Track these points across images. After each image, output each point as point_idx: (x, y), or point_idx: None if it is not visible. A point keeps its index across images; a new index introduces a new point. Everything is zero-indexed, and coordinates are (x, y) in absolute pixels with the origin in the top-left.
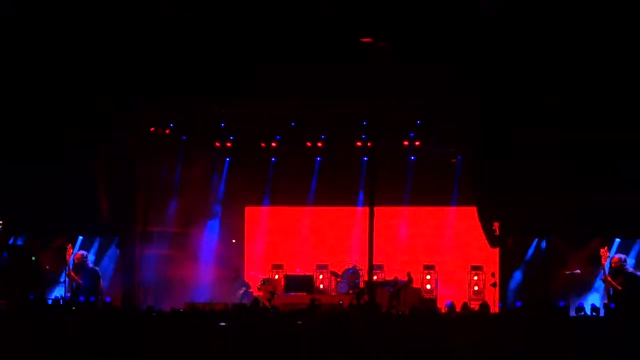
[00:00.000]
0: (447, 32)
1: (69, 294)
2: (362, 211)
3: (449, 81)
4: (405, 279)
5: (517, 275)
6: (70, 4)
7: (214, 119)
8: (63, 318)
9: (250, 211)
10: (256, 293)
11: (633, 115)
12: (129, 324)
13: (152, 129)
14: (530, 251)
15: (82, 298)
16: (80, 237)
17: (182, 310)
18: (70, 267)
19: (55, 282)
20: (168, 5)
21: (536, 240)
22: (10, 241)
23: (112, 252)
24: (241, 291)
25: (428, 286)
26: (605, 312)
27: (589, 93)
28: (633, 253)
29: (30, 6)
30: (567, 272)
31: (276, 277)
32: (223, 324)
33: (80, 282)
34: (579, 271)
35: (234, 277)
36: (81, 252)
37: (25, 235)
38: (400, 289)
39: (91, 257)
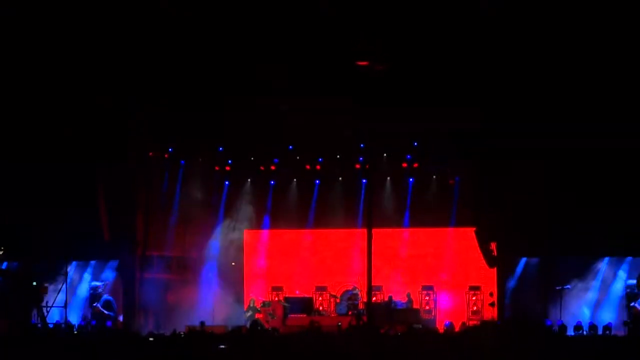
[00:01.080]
0: (444, 52)
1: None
2: (360, 233)
3: (448, 104)
4: (405, 299)
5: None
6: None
7: (213, 143)
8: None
9: (249, 234)
10: (256, 315)
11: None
12: (130, 348)
13: (151, 153)
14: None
15: (94, 322)
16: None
17: (182, 333)
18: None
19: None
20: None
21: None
22: (4, 265)
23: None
24: (249, 314)
25: (427, 307)
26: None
27: (585, 117)
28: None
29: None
30: (558, 288)
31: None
32: (223, 346)
33: (106, 313)
34: (569, 286)
35: (232, 300)
36: (94, 284)
37: (21, 261)
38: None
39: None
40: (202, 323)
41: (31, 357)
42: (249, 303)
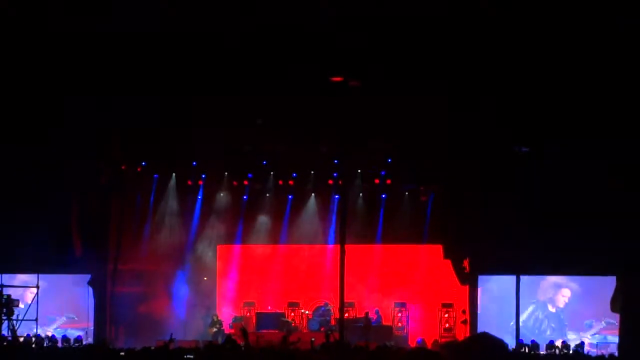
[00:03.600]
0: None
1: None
2: (333, 249)
3: (421, 120)
4: (374, 316)
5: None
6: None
7: (185, 157)
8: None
9: (222, 249)
10: (227, 330)
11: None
12: None
13: (123, 167)
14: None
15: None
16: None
17: (153, 348)
18: None
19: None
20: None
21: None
22: None
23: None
24: (214, 329)
25: (399, 324)
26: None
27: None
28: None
29: None
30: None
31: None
32: (190, 357)
33: None
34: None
35: (204, 315)
36: None
37: None
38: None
39: None
40: (171, 337)
41: None
42: (212, 318)
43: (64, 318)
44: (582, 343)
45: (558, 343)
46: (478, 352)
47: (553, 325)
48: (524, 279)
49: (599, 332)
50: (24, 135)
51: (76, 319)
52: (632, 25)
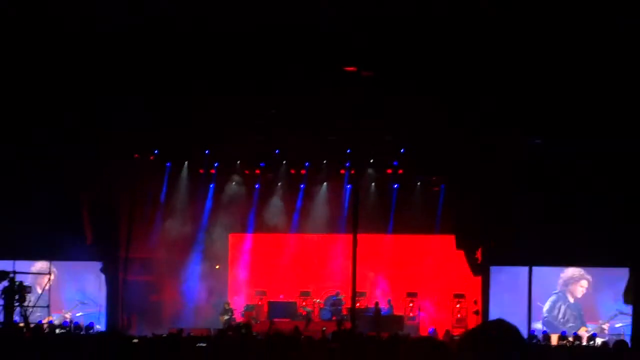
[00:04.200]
0: (432, 63)
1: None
2: (344, 238)
3: (433, 110)
4: (386, 306)
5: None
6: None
7: (198, 145)
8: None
9: (234, 237)
10: (239, 319)
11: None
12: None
13: (136, 155)
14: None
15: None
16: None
17: (165, 335)
18: None
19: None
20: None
21: None
22: None
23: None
24: (225, 317)
25: (411, 313)
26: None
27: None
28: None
29: None
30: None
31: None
32: (203, 344)
33: None
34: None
35: (216, 303)
36: None
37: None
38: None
39: None
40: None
41: (14, 358)
42: (223, 306)
43: (77, 302)
44: (595, 335)
45: (581, 331)
46: (494, 338)
47: (574, 314)
48: (544, 270)
49: (611, 321)
50: (38, 125)
51: (86, 302)
52: (632, 25)
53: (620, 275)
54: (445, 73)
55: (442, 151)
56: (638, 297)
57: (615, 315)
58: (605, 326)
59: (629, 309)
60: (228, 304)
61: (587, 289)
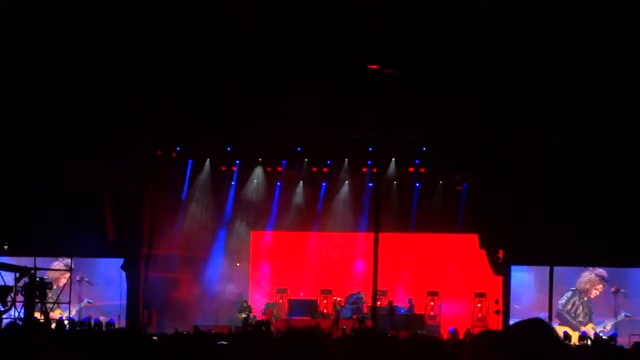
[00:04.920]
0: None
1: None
2: (365, 236)
3: (455, 110)
4: (407, 305)
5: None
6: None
7: (220, 143)
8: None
9: (255, 235)
10: (259, 317)
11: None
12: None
13: (159, 152)
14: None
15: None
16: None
17: (186, 332)
18: None
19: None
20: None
21: None
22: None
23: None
24: (243, 315)
25: (431, 312)
26: None
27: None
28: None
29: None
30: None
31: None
32: (223, 342)
33: None
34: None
35: (236, 301)
36: None
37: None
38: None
39: None
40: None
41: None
42: (241, 304)
43: (85, 301)
44: (596, 334)
45: (588, 328)
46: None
47: (585, 311)
48: (564, 274)
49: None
50: (62, 123)
51: (94, 302)
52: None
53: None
54: (469, 71)
55: (465, 150)
56: None
57: (622, 318)
58: (608, 327)
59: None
60: (246, 301)
61: (601, 291)
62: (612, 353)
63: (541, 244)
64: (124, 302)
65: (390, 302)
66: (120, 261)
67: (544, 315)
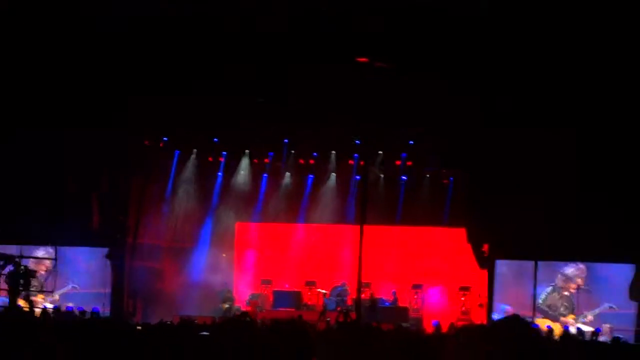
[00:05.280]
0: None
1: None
2: (351, 229)
3: (444, 104)
4: (391, 297)
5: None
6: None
7: (208, 134)
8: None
9: (240, 226)
10: (244, 307)
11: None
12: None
13: (146, 142)
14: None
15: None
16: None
17: (171, 322)
18: None
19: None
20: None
21: None
22: None
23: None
24: (226, 305)
25: (416, 305)
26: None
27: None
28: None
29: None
30: None
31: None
32: (205, 333)
33: None
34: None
35: (220, 291)
36: None
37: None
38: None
39: None
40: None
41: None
42: (224, 294)
43: (70, 286)
44: (578, 328)
45: (569, 319)
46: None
47: (566, 304)
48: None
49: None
50: (51, 113)
51: (78, 288)
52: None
53: (619, 271)
54: (457, 64)
55: (452, 144)
56: None
57: (605, 309)
58: (589, 317)
59: (622, 304)
60: (229, 291)
61: (580, 285)
62: (594, 350)
63: (526, 239)
64: (108, 291)
65: (372, 295)
66: (104, 250)
67: (508, 308)
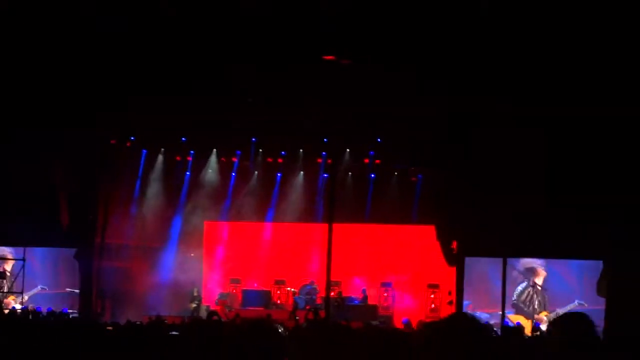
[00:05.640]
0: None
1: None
2: (320, 227)
3: (412, 101)
4: (360, 295)
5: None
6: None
7: (175, 133)
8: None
9: (209, 225)
10: (213, 307)
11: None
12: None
13: (112, 141)
14: None
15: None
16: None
17: (139, 323)
18: None
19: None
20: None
21: None
22: None
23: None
24: (193, 305)
25: (385, 303)
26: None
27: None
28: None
29: None
30: None
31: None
32: (175, 333)
33: None
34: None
35: (189, 291)
36: None
37: None
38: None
39: None
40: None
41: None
42: (191, 293)
43: (39, 287)
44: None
45: (541, 316)
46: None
47: (539, 299)
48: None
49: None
50: (17, 112)
51: (47, 289)
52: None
53: (586, 266)
54: (425, 62)
55: (419, 141)
56: (611, 290)
57: (575, 306)
58: (560, 314)
59: (591, 301)
60: (196, 290)
61: (545, 278)
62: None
63: (494, 236)
64: (76, 291)
65: (340, 294)
66: (72, 251)
67: (467, 303)
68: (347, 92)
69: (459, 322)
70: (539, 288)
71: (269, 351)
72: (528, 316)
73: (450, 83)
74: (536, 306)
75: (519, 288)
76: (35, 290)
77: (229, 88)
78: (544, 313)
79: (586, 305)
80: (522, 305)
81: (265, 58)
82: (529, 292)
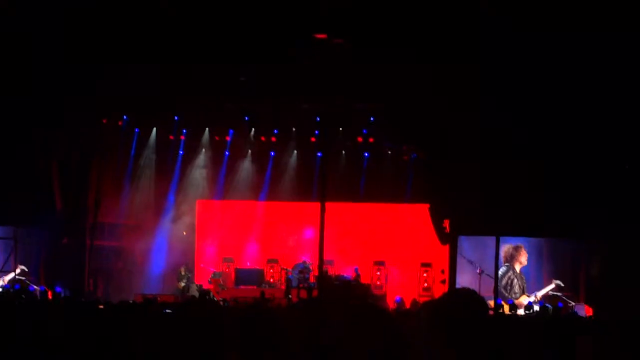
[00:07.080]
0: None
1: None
2: (314, 206)
3: (405, 79)
4: (353, 274)
5: None
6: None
7: (168, 112)
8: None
9: (202, 204)
10: (206, 286)
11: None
12: (79, 316)
13: (104, 120)
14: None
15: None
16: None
17: (132, 302)
18: None
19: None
20: None
21: None
22: None
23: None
24: (182, 284)
25: (378, 282)
26: None
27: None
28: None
29: None
30: None
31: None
32: (168, 311)
33: None
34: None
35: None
36: None
37: None
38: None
39: None
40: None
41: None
42: (180, 272)
43: (19, 269)
44: (530, 303)
45: (521, 300)
46: (460, 308)
47: (519, 283)
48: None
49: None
50: (7, 85)
51: (27, 270)
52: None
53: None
54: (419, 39)
55: (413, 120)
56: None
57: (553, 289)
58: (538, 296)
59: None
60: (185, 268)
61: (527, 259)
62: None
63: (487, 215)
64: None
65: (326, 271)
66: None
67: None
68: (339, 71)
69: (461, 298)
70: (518, 272)
71: (266, 337)
72: (507, 302)
73: (443, 60)
74: (516, 290)
75: (499, 273)
76: (17, 271)
77: (222, 67)
78: (524, 296)
79: (563, 285)
80: (503, 291)
81: (260, 36)
82: (509, 276)
